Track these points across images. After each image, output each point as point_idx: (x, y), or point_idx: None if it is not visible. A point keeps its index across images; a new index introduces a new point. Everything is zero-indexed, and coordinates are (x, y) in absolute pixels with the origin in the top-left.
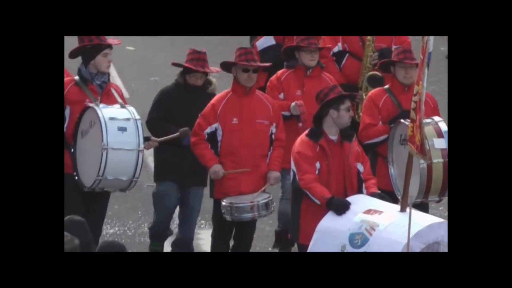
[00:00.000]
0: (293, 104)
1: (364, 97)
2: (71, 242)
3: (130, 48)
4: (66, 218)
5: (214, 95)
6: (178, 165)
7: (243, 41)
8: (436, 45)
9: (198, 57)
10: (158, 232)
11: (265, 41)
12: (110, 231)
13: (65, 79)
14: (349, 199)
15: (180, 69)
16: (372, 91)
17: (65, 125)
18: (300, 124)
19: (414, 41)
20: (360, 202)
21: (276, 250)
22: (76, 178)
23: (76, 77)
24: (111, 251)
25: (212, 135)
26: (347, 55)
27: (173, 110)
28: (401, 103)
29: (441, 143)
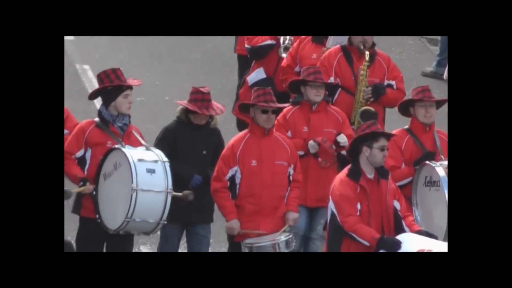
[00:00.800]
0: (311, 142)
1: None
2: None
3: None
4: None
5: (216, 129)
6: (184, 205)
7: (229, 61)
8: None
9: (202, 98)
10: None
11: (256, 75)
12: None
13: (86, 121)
14: (398, 237)
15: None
16: (393, 132)
17: (86, 168)
18: (320, 159)
19: (413, 46)
20: (410, 241)
21: None
22: (99, 221)
23: (97, 119)
24: None
25: (232, 179)
26: (339, 89)
27: (178, 148)
28: (423, 143)
29: None
